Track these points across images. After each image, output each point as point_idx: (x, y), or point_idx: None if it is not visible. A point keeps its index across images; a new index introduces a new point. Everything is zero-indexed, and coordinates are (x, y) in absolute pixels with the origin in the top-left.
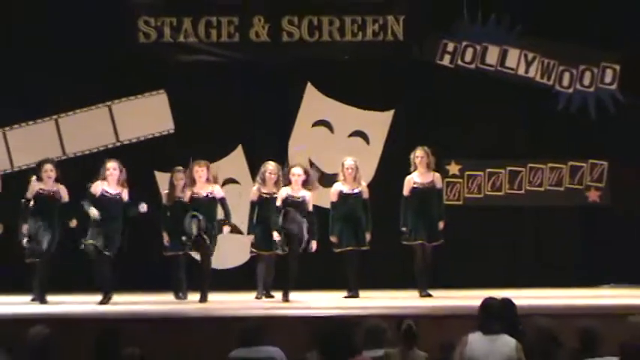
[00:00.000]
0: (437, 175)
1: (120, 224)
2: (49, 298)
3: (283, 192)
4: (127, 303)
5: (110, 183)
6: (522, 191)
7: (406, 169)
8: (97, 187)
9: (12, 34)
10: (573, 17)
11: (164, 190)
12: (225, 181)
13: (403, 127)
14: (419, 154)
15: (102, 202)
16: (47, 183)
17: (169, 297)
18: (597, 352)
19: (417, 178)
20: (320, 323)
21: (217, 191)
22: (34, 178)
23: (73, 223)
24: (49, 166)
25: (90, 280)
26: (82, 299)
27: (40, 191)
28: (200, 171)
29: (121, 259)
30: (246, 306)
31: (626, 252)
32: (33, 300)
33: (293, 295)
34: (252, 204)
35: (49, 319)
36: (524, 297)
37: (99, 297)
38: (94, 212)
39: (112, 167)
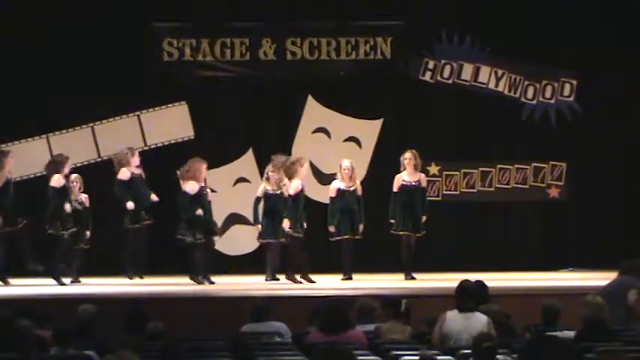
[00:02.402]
0: (423, 175)
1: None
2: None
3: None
4: (152, 284)
5: None
6: (492, 189)
7: (393, 170)
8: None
9: (56, 56)
10: (536, 40)
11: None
12: (238, 180)
13: (391, 134)
14: (407, 156)
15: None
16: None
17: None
18: (557, 326)
19: (405, 177)
20: (319, 302)
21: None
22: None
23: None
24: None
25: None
26: (104, 282)
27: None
28: (205, 172)
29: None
30: (255, 287)
31: (582, 240)
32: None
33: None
34: (257, 199)
35: (86, 298)
36: (495, 279)
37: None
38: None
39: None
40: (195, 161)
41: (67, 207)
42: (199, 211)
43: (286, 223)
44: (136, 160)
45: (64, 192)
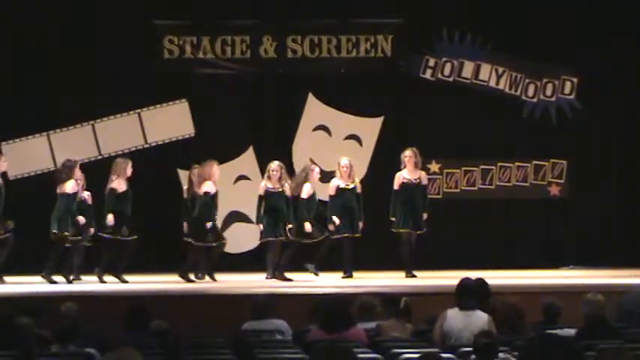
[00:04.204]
0: (423, 173)
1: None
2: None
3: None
4: (153, 282)
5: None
6: (493, 186)
7: (394, 168)
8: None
9: (56, 54)
10: (537, 38)
11: (184, 186)
12: (238, 178)
13: (391, 132)
14: (408, 154)
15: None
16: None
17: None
18: (558, 324)
19: (405, 174)
20: (320, 300)
21: None
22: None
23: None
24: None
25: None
26: (105, 279)
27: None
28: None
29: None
30: (256, 285)
31: (583, 238)
32: (74, 280)
33: (296, 276)
34: (260, 198)
35: (84, 296)
36: (496, 277)
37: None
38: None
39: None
40: (205, 164)
41: (81, 219)
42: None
43: (308, 227)
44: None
45: (74, 199)
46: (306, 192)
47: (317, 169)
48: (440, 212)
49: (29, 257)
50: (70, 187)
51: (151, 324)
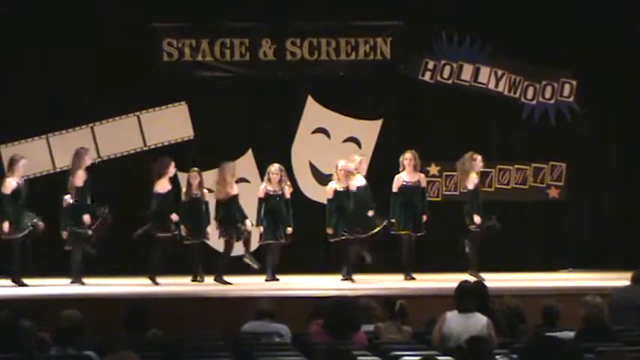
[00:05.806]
0: (422, 175)
1: None
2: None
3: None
4: (153, 284)
5: None
6: (492, 189)
7: (393, 170)
8: None
9: (56, 56)
10: (536, 40)
11: (183, 189)
12: (238, 180)
13: (390, 134)
14: (407, 157)
15: None
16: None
17: (188, 279)
18: (557, 327)
19: (405, 177)
20: (326, 304)
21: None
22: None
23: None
24: None
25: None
26: (106, 282)
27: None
28: None
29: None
30: (255, 287)
31: (582, 241)
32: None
33: (295, 279)
34: (260, 200)
35: (84, 298)
36: (495, 280)
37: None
38: None
39: None
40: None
41: (174, 217)
42: None
43: (477, 219)
44: None
45: (166, 197)
46: (472, 182)
47: (479, 158)
48: (439, 215)
49: (30, 259)
50: (160, 185)
51: (147, 334)
